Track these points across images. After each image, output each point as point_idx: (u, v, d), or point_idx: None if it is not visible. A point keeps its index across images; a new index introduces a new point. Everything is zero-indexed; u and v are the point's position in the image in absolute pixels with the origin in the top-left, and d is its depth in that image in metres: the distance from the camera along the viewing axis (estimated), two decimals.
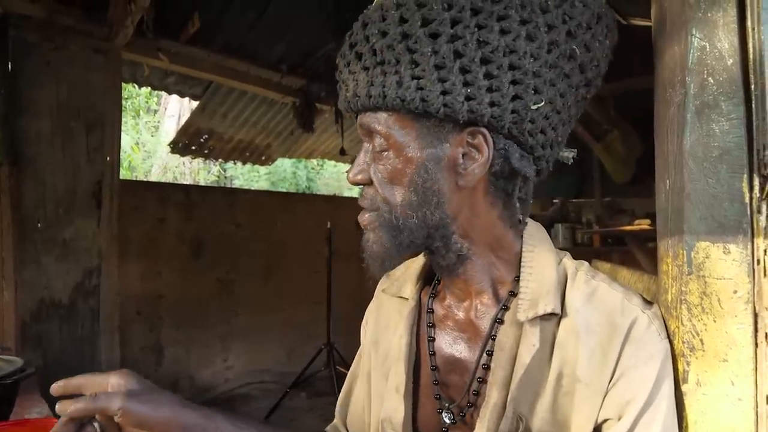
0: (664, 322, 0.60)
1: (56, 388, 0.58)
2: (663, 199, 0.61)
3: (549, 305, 0.60)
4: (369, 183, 0.63)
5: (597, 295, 0.61)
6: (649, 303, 0.62)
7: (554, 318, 0.61)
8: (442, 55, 0.55)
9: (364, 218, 0.64)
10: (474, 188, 0.62)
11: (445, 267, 0.66)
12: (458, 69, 0.56)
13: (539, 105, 0.58)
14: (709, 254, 0.55)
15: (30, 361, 2.29)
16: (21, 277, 2.43)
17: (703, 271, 0.56)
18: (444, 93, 0.56)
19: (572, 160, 0.68)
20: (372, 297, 0.83)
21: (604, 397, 0.57)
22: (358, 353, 0.83)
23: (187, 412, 0.57)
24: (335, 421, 0.84)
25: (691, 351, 0.56)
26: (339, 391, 0.85)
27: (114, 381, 0.57)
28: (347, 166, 6.12)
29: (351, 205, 4.78)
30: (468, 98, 0.56)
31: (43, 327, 2.49)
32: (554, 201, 4.52)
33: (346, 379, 0.84)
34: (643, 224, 2.87)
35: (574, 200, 4.54)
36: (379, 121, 0.60)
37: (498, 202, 0.64)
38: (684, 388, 0.57)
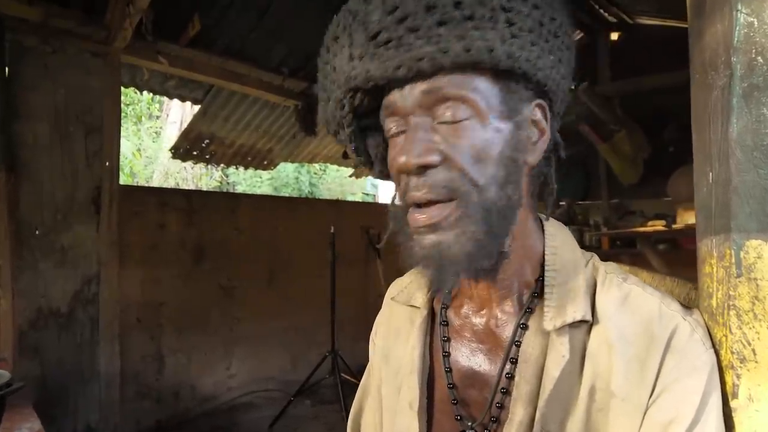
0: (708, 330, 0.54)
1: None
2: (705, 193, 0.55)
3: (578, 312, 0.55)
4: (439, 164, 0.52)
5: (631, 300, 0.55)
6: (688, 309, 0.56)
7: (584, 326, 0.55)
8: (532, 19, 0.52)
9: (432, 213, 0.52)
10: (529, 168, 0.58)
11: (485, 270, 0.56)
12: (543, 36, 0.53)
13: (572, 85, 0.59)
14: (761, 254, 0.50)
15: (20, 374, 2.25)
16: (18, 284, 2.38)
17: (755, 273, 0.50)
18: (538, 57, 0.53)
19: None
20: (377, 303, 0.77)
21: (644, 414, 0.51)
22: (368, 366, 0.77)
23: None
24: None
25: (741, 362, 0.50)
26: (344, 399, 0.80)
27: None
28: (350, 171, 6.09)
29: (354, 210, 4.77)
30: (550, 66, 0.54)
31: (40, 336, 2.44)
32: (561, 203, 4.46)
33: (356, 394, 0.78)
34: (657, 225, 2.81)
35: (580, 202, 4.49)
36: (460, 83, 0.51)
37: (531, 189, 0.60)
38: (733, 404, 0.51)
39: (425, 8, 0.50)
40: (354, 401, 0.78)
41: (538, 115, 0.57)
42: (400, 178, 0.55)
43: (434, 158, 0.51)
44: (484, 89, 0.52)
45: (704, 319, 0.55)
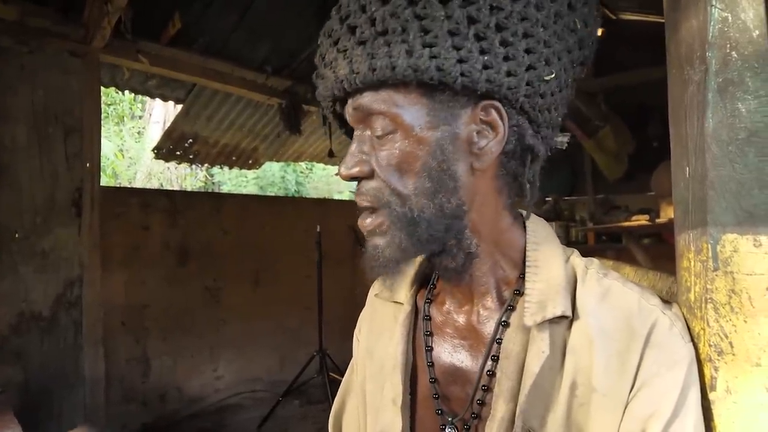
0: (687, 323, 0.54)
1: None
2: (682, 188, 0.55)
3: (558, 307, 0.55)
4: (369, 176, 0.55)
5: (611, 296, 0.55)
6: (668, 303, 0.56)
7: (564, 321, 0.55)
8: (455, 20, 0.50)
9: (367, 221, 0.56)
10: (485, 171, 0.56)
11: (453, 269, 0.59)
12: (473, 35, 0.51)
13: (551, 77, 0.54)
14: (737, 247, 0.50)
15: (2, 380, 2.20)
16: None
17: (731, 267, 0.50)
18: (460, 61, 0.50)
19: (566, 145, 0.63)
20: (365, 301, 0.77)
21: (625, 408, 0.51)
22: (351, 363, 0.77)
23: None
24: None
25: (719, 355, 0.51)
26: (332, 399, 0.79)
27: None
28: (336, 169, 6.03)
29: (341, 209, 4.73)
30: (485, 67, 0.51)
31: (23, 341, 2.39)
32: (547, 199, 4.49)
33: (339, 391, 0.78)
34: (641, 220, 2.84)
35: (566, 198, 4.52)
36: (383, 99, 0.53)
37: (505, 189, 0.59)
38: (712, 396, 0.51)
39: (348, 30, 0.53)
40: (336, 398, 0.78)
41: (491, 115, 0.54)
42: None
43: (362, 170, 0.55)
44: (404, 103, 0.53)
45: (683, 313, 0.55)
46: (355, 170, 0.55)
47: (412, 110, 0.53)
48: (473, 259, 0.59)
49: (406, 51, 0.50)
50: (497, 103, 0.54)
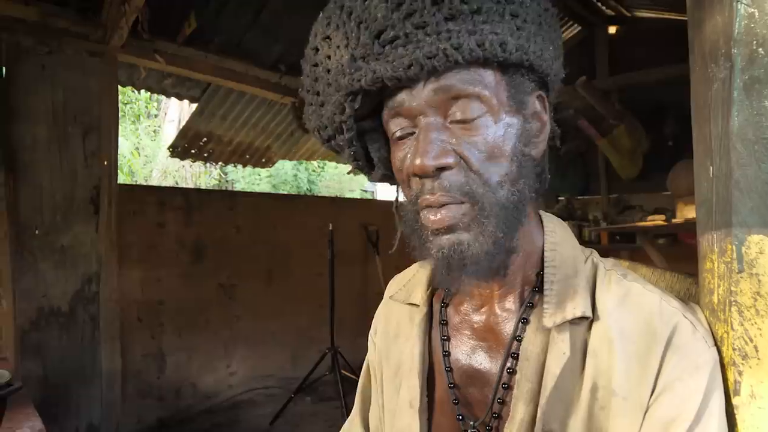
0: (710, 327, 0.54)
1: None
2: (705, 188, 0.54)
3: (578, 308, 0.54)
4: (454, 166, 0.51)
5: (631, 298, 0.55)
6: (689, 306, 0.55)
7: (584, 322, 0.55)
8: (532, 10, 0.53)
9: (446, 216, 0.51)
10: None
11: (494, 268, 0.55)
12: (543, 26, 0.54)
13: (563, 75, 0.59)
14: (763, 249, 0.49)
15: (22, 373, 2.24)
16: (19, 285, 2.38)
17: (757, 269, 0.49)
18: (541, 48, 0.53)
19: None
20: (377, 299, 0.77)
21: (645, 413, 0.51)
22: (365, 365, 0.76)
23: None
24: None
25: (743, 359, 0.50)
26: (344, 396, 0.79)
27: None
28: (348, 167, 6.08)
29: (353, 207, 4.74)
30: (548, 57, 0.54)
31: (42, 335, 2.44)
32: (559, 199, 4.45)
33: (356, 396, 0.78)
34: (657, 220, 2.80)
35: (579, 198, 4.48)
36: (475, 79, 0.50)
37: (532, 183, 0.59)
38: (735, 401, 0.50)
39: (432, 3, 0.48)
40: (355, 403, 0.77)
41: (538, 106, 0.56)
42: (411, 180, 0.53)
43: (450, 160, 0.50)
44: (494, 84, 0.51)
45: (705, 316, 0.54)
46: (446, 160, 0.50)
47: (499, 92, 0.51)
48: (512, 254, 0.57)
49: (509, 31, 0.50)
50: (544, 94, 0.56)
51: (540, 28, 0.53)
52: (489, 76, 0.50)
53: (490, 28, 0.49)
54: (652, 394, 0.50)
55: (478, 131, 0.50)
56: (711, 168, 0.53)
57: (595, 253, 0.61)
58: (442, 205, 0.51)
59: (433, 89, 0.50)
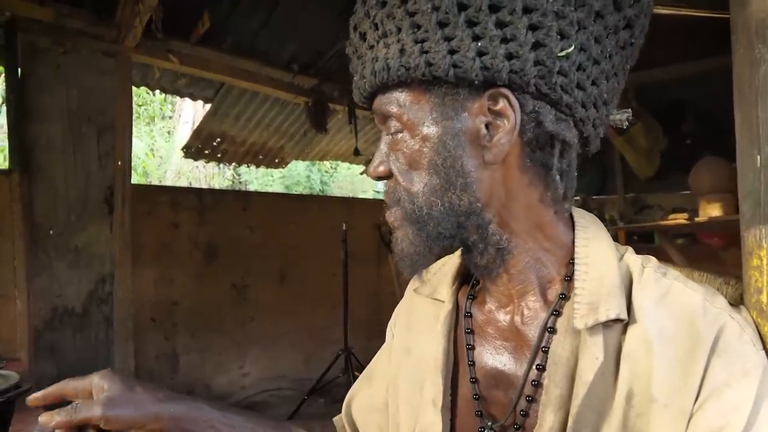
0: (758, 329, 0.50)
1: (34, 399, 0.57)
2: (751, 179, 0.50)
3: (613, 309, 0.50)
4: (390, 175, 0.57)
5: (671, 297, 0.51)
6: (735, 306, 0.51)
7: (619, 325, 0.51)
8: (444, 9, 0.49)
9: (389, 216, 0.58)
10: (506, 164, 0.53)
11: (483, 266, 0.57)
12: (464, 22, 0.48)
13: (568, 51, 0.49)
14: None
15: (36, 373, 2.25)
16: (33, 285, 2.40)
17: None
18: (451, 52, 0.49)
19: (627, 123, 0.58)
20: (390, 300, 0.75)
21: (689, 420, 0.47)
22: (379, 352, 0.75)
23: (173, 405, 0.55)
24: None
25: None
26: None
27: (96, 383, 0.56)
28: (361, 168, 6.07)
29: (366, 207, 4.71)
30: (480, 53, 0.49)
31: (56, 335, 2.45)
32: (575, 198, 4.39)
33: (361, 375, 0.77)
34: (678, 219, 2.73)
35: (595, 197, 4.41)
36: (391, 100, 0.54)
37: (538, 181, 0.55)
38: None
39: (360, 37, 0.56)
40: (356, 383, 0.76)
41: (500, 104, 0.51)
42: None
43: (383, 170, 0.57)
44: (407, 102, 0.53)
45: (753, 317, 0.51)
46: (379, 170, 0.57)
47: (414, 108, 0.53)
48: (506, 255, 0.56)
49: (400, 50, 0.51)
50: (505, 90, 0.50)
51: (462, 26, 0.48)
52: (400, 95, 0.53)
53: (385, 52, 0.52)
54: (696, 401, 0.47)
55: (397, 145, 0.55)
56: (758, 157, 0.49)
57: (631, 250, 0.57)
58: (388, 207, 0.58)
59: (374, 110, 0.57)
